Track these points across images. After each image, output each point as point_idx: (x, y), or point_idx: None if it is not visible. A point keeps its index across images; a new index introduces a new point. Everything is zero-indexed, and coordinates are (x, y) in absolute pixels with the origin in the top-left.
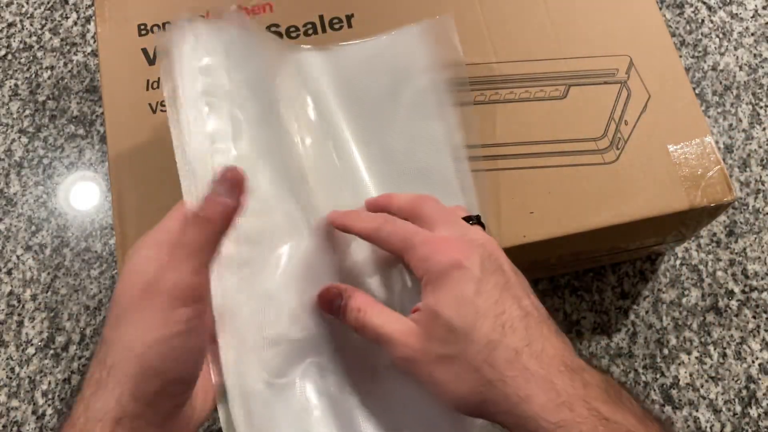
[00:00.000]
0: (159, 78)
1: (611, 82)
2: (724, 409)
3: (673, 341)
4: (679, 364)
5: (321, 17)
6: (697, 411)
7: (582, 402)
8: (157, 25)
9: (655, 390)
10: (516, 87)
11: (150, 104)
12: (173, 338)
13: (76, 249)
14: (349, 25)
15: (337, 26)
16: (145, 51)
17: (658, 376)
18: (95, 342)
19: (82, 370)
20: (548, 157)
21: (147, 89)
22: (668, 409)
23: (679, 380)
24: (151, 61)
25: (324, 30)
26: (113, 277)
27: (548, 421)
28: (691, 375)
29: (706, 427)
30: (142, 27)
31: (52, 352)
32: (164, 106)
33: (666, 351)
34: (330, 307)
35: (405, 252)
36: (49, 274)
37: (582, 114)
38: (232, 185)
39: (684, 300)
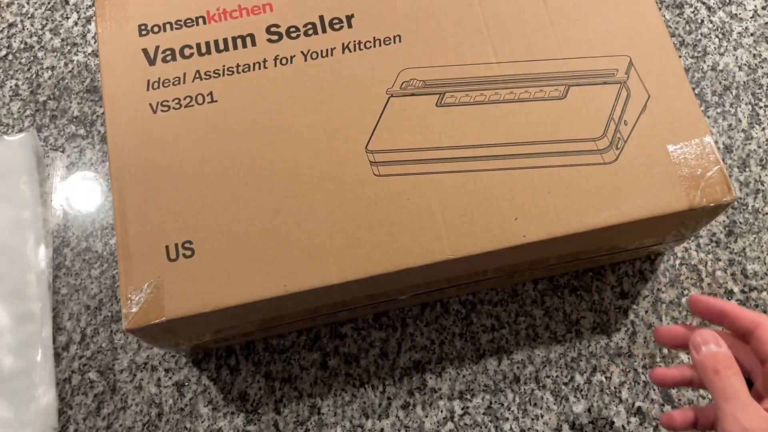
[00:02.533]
0: (159, 78)
1: (611, 83)
2: None
3: None
4: (679, 364)
5: (321, 17)
6: None
7: None
8: (158, 25)
9: (654, 390)
10: (516, 87)
11: (150, 104)
12: None
13: (76, 249)
14: (349, 25)
15: (337, 26)
16: (145, 51)
17: None
18: (95, 342)
19: (83, 370)
20: (548, 157)
21: (147, 89)
22: (668, 408)
23: None
24: (152, 62)
25: (324, 30)
26: (114, 276)
27: None
28: None
29: None
30: (143, 27)
31: (52, 351)
32: (165, 106)
33: (665, 350)
34: (698, 347)
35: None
36: (49, 273)
37: (582, 114)
38: None
39: (684, 300)
